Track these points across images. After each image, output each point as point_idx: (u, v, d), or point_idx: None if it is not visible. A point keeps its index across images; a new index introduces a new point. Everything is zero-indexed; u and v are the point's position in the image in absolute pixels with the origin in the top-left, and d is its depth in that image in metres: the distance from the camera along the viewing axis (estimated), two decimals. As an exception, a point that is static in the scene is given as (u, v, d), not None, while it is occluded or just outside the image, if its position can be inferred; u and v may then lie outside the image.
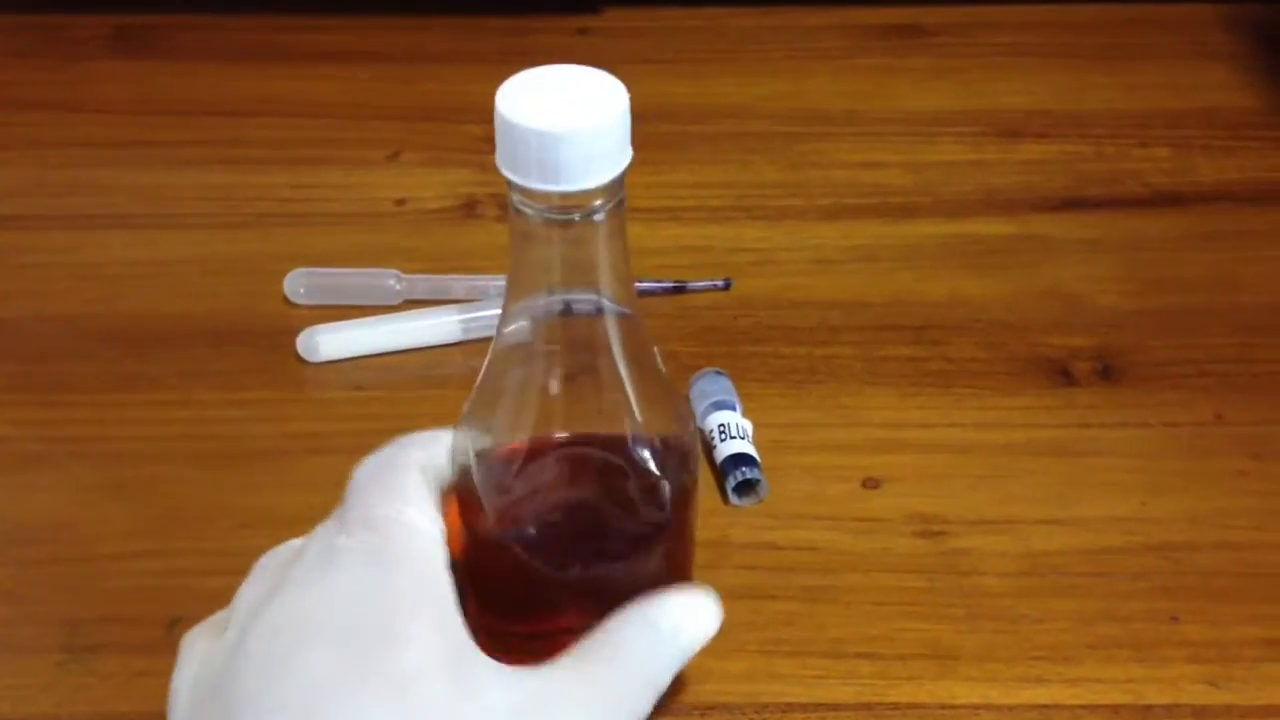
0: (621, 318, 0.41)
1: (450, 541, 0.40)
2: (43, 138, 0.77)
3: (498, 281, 0.64)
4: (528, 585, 0.43)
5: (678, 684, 0.48)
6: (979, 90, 0.80)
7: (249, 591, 0.39)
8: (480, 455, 0.43)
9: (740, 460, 0.55)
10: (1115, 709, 0.48)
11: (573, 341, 0.42)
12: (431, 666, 0.35)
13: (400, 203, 0.71)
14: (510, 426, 0.43)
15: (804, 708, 0.48)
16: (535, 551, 0.44)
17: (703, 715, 0.48)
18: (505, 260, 0.65)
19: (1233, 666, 0.49)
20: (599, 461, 0.43)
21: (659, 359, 0.44)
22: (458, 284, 0.64)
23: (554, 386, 0.42)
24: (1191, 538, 0.54)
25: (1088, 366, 0.61)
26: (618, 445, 0.43)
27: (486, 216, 0.70)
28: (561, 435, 0.43)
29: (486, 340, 0.61)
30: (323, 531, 0.39)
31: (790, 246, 0.69)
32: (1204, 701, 0.48)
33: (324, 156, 0.75)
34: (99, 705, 0.48)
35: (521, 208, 0.39)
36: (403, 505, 0.39)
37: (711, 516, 0.55)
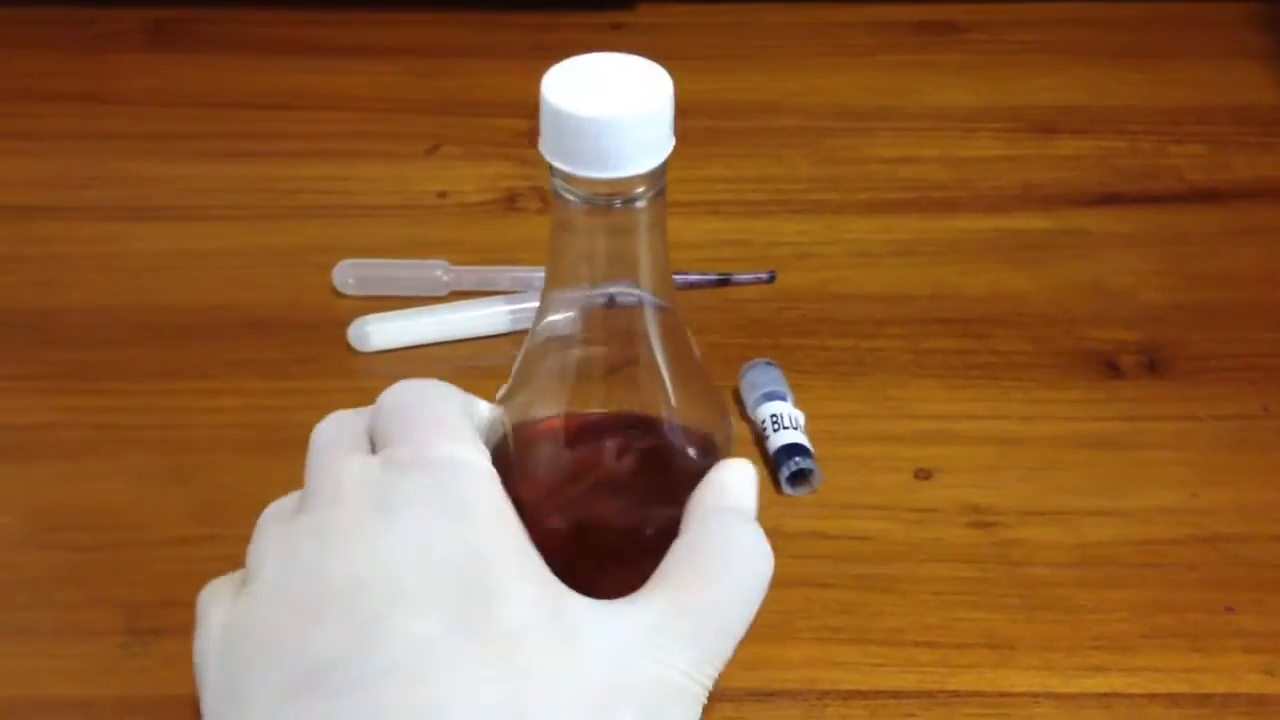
0: (659, 309, 0.42)
1: None
2: (81, 130, 0.77)
3: (543, 273, 0.64)
4: (559, 566, 0.43)
5: (739, 670, 0.49)
6: (1012, 86, 0.81)
7: (268, 549, 0.37)
8: (517, 431, 0.43)
9: (793, 450, 0.55)
10: (1174, 698, 0.48)
11: (611, 331, 0.42)
12: (532, 619, 0.34)
13: (441, 195, 0.72)
14: (546, 413, 0.43)
15: (864, 695, 0.48)
16: (568, 535, 0.44)
17: (761, 702, 0.48)
18: (546, 252, 0.66)
19: (1288, 656, 0.50)
20: (638, 447, 0.43)
21: (696, 350, 0.44)
22: (504, 275, 0.64)
23: (591, 376, 0.43)
24: (1242, 529, 0.54)
25: (1133, 360, 0.62)
26: (656, 431, 0.43)
27: (528, 209, 0.70)
28: (597, 423, 0.43)
29: (532, 331, 0.62)
30: (359, 470, 0.37)
31: (830, 240, 0.69)
32: (1261, 690, 0.48)
33: (361, 150, 0.75)
34: (161, 687, 0.48)
35: (563, 193, 0.39)
36: (455, 443, 0.37)
37: (764, 506, 0.54)
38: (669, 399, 0.43)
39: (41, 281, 0.66)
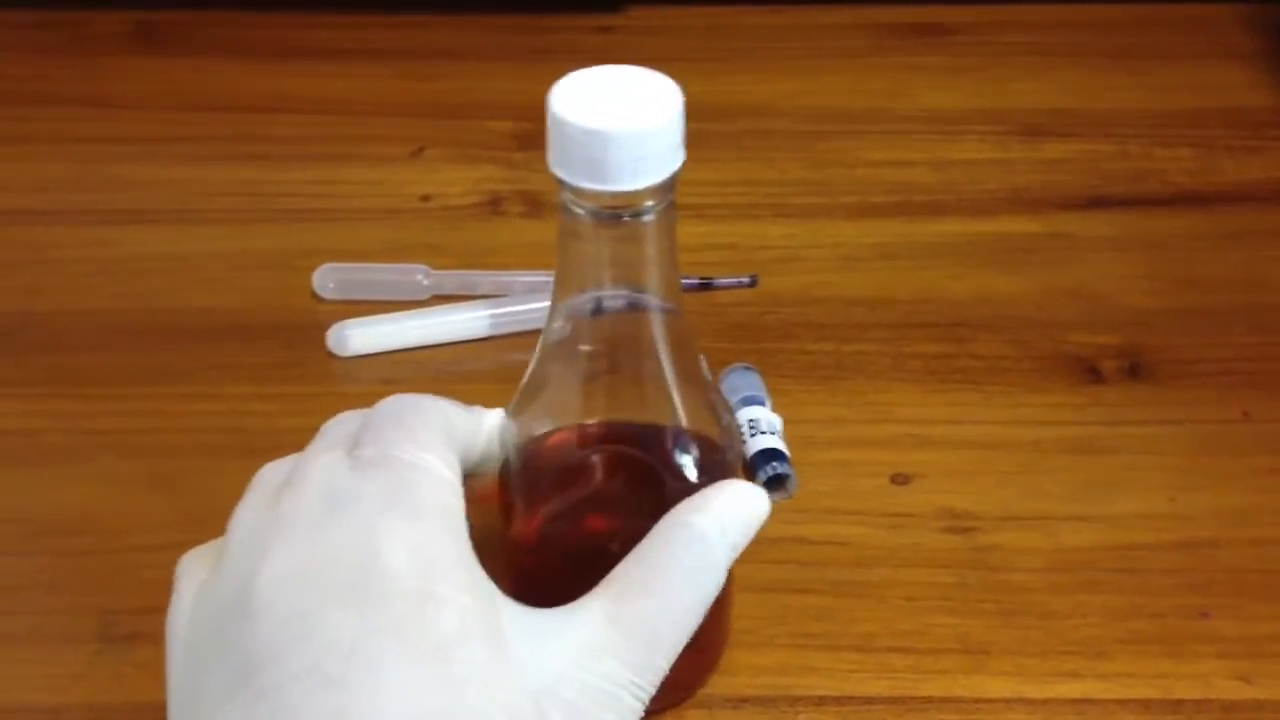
0: (667, 315, 0.42)
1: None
2: (68, 133, 0.77)
3: (524, 277, 0.64)
4: (556, 585, 0.43)
5: (713, 676, 0.49)
6: (1000, 89, 0.81)
7: (245, 515, 0.38)
8: (520, 449, 0.43)
9: (770, 455, 0.55)
10: (1147, 704, 0.48)
11: (618, 339, 0.42)
12: (468, 631, 0.34)
13: (425, 199, 0.72)
14: (553, 424, 0.43)
15: (837, 700, 0.48)
16: (564, 553, 0.45)
17: (735, 708, 0.48)
18: (530, 256, 0.66)
19: (1263, 662, 0.49)
20: (637, 464, 0.43)
21: (702, 359, 0.44)
22: (485, 279, 0.64)
23: (598, 387, 0.43)
24: (1220, 534, 0.54)
25: (1115, 364, 0.62)
26: (658, 447, 0.43)
27: (511, 213, 0.70)
28: (602, 435, 0.43)
29: (514, 335, 0.62)
30: (327, 464, 0.37)
31: (815, 244, 0.69)
32: (1235, 697, 0.48)
33: (348, 153, 0.75)
34: (135, 695, 0.48)
35: (571, 206, 0.39)
36: (422, 450, 0.37)
37: (741, 511, 0.55)
38: (675, 408, 0.43)
39: (26, 286, 0.66)
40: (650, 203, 0.38)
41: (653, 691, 0.36)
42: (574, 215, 0.39)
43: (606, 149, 0.37)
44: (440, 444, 0.38)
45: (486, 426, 0.43)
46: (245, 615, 0.34)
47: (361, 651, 0.33)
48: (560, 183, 0.38)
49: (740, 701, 0.48)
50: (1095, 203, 0.72)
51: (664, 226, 0.39)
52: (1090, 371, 0.61)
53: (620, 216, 0.38)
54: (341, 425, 0.40)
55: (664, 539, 0.38)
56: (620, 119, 0.37)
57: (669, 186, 0.39)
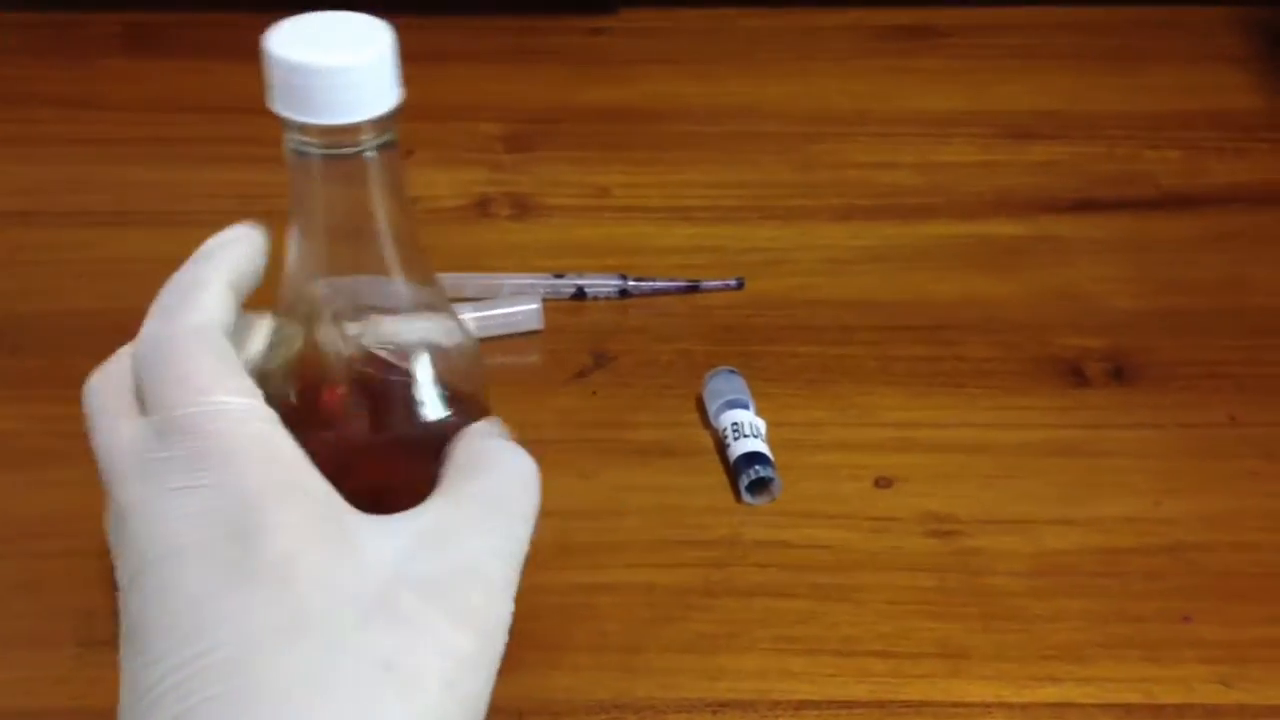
0: (405, 259, 0.43)
1: None
2: (57, 135, 0.77)
3: (512, 280, 0.64)
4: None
5: (694, 680, 0.49)
6: (990, 92, 0.81)
7: (106, 521, 0.39)
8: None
9: (753, 459, 0.55)
10: (1128, 708, 0.48)
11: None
12: (303, 544, 0.35)
13: (413, 201, 0.71)
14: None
15: (817, 705, 0.48)
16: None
17: (715, 712, 0.48)
18: (517, 258, 0.66)
19: (1245, 667, 0.49)
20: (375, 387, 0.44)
21: (442, 288, 0.45)
22: (470, 282, 0.64)
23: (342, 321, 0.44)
24: (1204, 538, 0.54)
25: (1100, 367, 0.61)
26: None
27: (499, 215, 0.70)
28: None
29: (499, 338, 0.62)
30: (126, 443, 0.38)
31: (803, 246, 0.69)
32: (1216, 701, 0.48)
33: (337, 155, 0.75)
34: (115, 698, 0.48)
35: (297, 147, 0.40)
36: (205, 395, 0.37)
37: (724, 514, 0.55)
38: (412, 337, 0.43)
39: (12, 288, 0.66)
40: (368, 138, 0.39)
41: (521, 560, 0.37)
42: (300, 156, 0.40)
43: (317, 81, 0.38)
44: (222, 374, 0.37)
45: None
46: (127, 600, 0.37)
47: (212, 597, 0.34)
48: (282, 122, 0.39)
49: (720, 706, 0.48)
50: (1083, 205, 0.72)
51: (386, 167, 0.40)
52: (1075, 374, 0.61)
53: (341, 152, 0.39)
54: (112, 385, 0.40)
55: (469, 443, 0.40)
56: (330, 55, 0.38)
57: (387, 125, 0.39)
